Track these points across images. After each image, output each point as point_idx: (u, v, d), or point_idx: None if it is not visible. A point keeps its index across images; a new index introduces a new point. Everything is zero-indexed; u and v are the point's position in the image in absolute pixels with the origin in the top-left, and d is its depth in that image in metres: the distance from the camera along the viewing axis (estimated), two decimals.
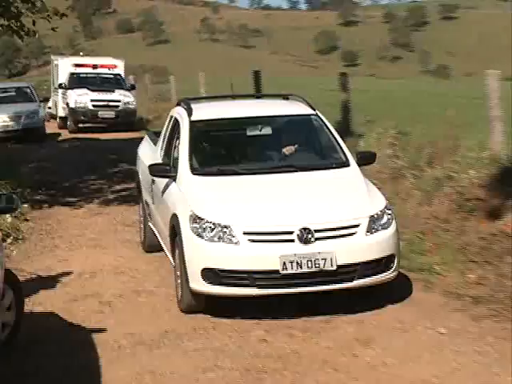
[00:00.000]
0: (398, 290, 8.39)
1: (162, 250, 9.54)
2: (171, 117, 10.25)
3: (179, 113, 9.85)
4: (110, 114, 29.33)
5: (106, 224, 12.57)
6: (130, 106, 29.92)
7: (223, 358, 6.78)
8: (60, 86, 31.02)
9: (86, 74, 31.66)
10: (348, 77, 17.04)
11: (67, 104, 29.64)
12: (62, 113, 31.31)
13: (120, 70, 32.97)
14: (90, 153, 21.67)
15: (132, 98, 30.37)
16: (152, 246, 10.31)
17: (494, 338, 6.98)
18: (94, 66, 32.43)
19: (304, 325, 7.54)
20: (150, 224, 10.32)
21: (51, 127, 29.95)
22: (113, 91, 30.04)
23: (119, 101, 29.55)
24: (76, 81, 30.42)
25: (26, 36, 16.76)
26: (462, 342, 6.91)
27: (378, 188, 12.52)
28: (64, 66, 32.72)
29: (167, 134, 10.09)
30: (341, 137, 15.38)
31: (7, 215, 11.19)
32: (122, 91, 30.38)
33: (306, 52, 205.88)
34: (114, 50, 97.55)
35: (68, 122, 29.88)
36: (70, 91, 29.85)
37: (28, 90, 28.23)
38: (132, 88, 31.96)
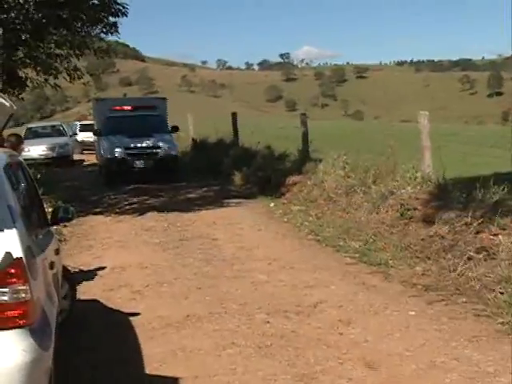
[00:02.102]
0: (365, 280, 7.94)
1: None
2: None
3: None
4: (149, 163, 18.33)
5: (127, 229, 11.94)
6: (172, 152, 18.75)
7: (237, 337, 6.23)
8: (95, 131, 20.57)
9: (123, 117, 19.89)
10: (306, 116, 16.59)
11: (101, 154, 19.32)
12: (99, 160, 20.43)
13: (161, 109, 21.08)
14: None
15: (172, 143, 19.26)
16: None
17: (447, 318, 6.51)
18: (133, 108, 20.66)
19: (296, 309, 7.02)
20: None
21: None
22: (151, 137, 18.82)
23: (159, 147, 18.60)
24: (111, 127, 19.34)
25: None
26: (422, 322, 6.42)
27: (335, 201, 12.31)
28: (100, 110, 21.18)
29: None
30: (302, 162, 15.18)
31: None
32: (162, 135, 19.17)
33: (259, 101, 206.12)
34: None
35: (102, 173, 19.36)
36: (105, 138, 19.25)
37: (60, 128, 27.92)
38: (173, 129, 20.35)
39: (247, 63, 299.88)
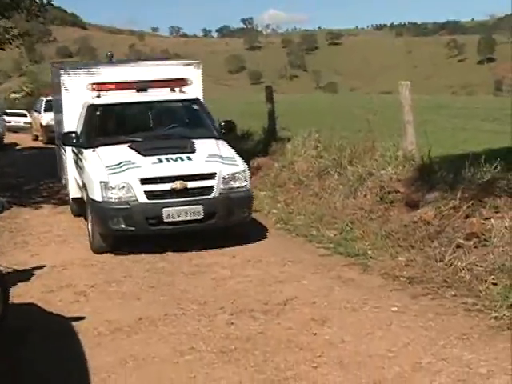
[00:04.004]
0: (341, 274, 8.01)
1: None
2: None
3: None
4: (194, 211, 9.44)
5: (69, 221, 11.91)
6: (240, 185, 9.91)
7: (197, 341, 6.24)
8: (66, 138, 10.98)
9: (124, 106, 11.70)
10: (273, 89, 16.58)
11: (84, 187, 10.40)
12: (75, 192, 11.77)
13: (196, 87, 12.26)
14: (47, 159, 20.72)
15: (239, 163, 10.12)
16: None
17: (433, 314, 6.58)
18: (140, 88, 11.70)
19: (263, 307, 7.05)
20: None
21: None
22: (190, 150, 10.03)
23: (213, 174, 9.67)
24: (101, 127, 11.10)
25: None
26: (406, 319, 6.49)
27: (306, 184, 12.36)
28: (71, 88, 12.15)
29: None
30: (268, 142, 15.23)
31: None
32: (210, 144, 10.51)
33: (220, 72, 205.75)
34: None
35: (89, 228, 10.00)
36: (89, 154, 10.41)
37: None
38: (225, 129, 11.36)
39: (205, 30, 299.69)
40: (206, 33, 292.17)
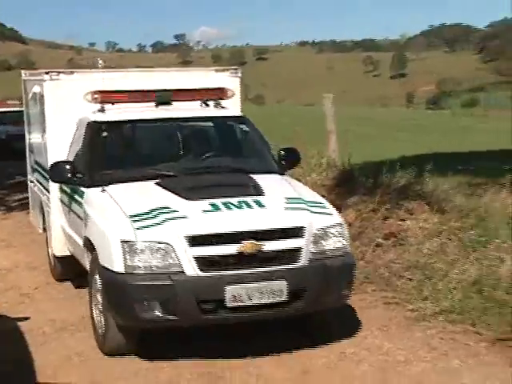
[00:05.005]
0: None
1: None
2: None
3: None
4: (274, 288, 5.39)
5: (13, 227, 11.63)
6: (336, 246, 5.78)
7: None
8: (56, 171, 6.72)
9: (135, 123, 7.31)
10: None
11: (89, 248, 6.13)
12: (62, 248, 7.81)
13: (235, 101, 8.00)
14: None
15: (331, 211, 6.01)
16: None
17: (356, 307, 6.73)
18: (161, 101, 7.36)
19: None
20: None
21: None
22: (256, 191, 5.94)
23: (300, 229, 5.61)
24: (110, 155, 6.91)
25: None
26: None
27: None
28: (60, 99, 7.74)
29: None
30: None
31: None
32: (278, 182, 6.49)
33: None
34: None
35: (95, 313, 5.97)
36: (95, 197, 6.27)
37: None
38: (286, 161, 7.21)
39: (139, 45, 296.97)
40: (141, 48, 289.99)
